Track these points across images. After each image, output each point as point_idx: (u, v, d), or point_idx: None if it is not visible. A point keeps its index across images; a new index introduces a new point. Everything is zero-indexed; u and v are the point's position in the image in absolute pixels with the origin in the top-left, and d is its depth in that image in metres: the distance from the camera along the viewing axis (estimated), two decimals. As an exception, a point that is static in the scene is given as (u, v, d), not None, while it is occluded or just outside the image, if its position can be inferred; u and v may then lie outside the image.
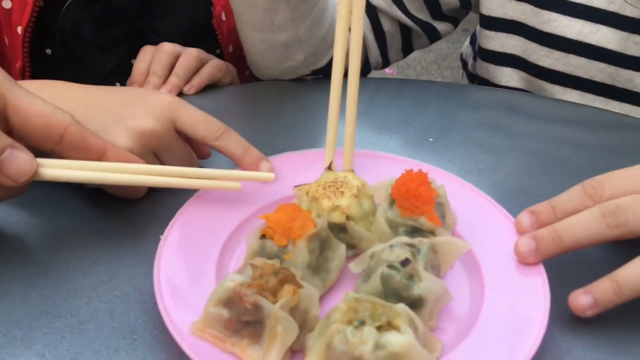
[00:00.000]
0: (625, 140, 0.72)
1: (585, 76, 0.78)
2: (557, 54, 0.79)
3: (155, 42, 0.78)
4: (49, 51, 0.78)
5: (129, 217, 0.55)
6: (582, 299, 0.47)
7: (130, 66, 0.79)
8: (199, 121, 0.56)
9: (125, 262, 0.50)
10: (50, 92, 0.56)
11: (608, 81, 0.78)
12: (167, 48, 0.74)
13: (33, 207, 0.55)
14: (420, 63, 2.92)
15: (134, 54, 0.80)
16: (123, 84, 0.80)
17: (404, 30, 0.87)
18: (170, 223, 0.50)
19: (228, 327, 0.41)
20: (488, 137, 0.71)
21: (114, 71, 0.81)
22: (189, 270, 0.47)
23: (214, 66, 0.75)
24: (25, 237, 0.53)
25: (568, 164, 0.67)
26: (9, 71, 0.75)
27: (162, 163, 0.56)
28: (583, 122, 0.75)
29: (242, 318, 0.41)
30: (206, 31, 0.82)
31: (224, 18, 0.82)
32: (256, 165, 0.56)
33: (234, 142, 0.57)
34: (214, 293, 0.42)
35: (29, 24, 0.74)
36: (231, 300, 0.41)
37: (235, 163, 0.57)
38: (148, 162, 0.54)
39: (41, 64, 0.78)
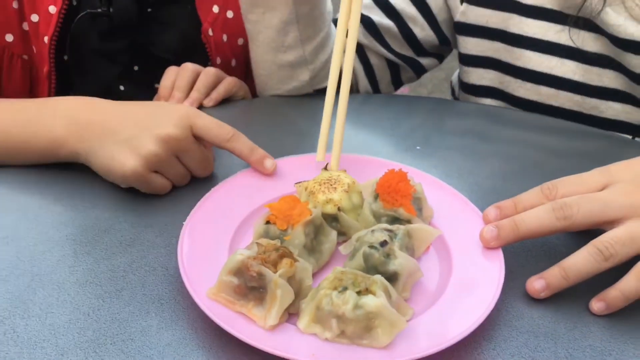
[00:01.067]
0: (592, 148, 0.81)
1: (556, 104, 0.86)
2: (529, 85, 0.87)
3: (153, 53, 0.89)
4: (66, 57, 0.89)
5: (155, 208, 0.65)
6: (536, 284, 0.55)
7: (132, 72, 0.91)
8: (212, 126, 0.66)
9: (153, 245, 0.60)
10: (91, 107, 0.67)
11: (576, 108, 0.86)
12: (189, 67, 0.84)
13: (75, 200, 0.65)
14: (431, 81, 3.02)
15: (135, 62, 0.91)
16: (126, 88, 0.92)
17: (391, 64, 0.96)
18: (191, 212, 0.60)
19: (237, 292, 0.51)
20: (469, 145, 0.80)
21: (118, 77, 0.92)
22: (206, 249, 0.56)
23: (229, 82, 0.86)
24: (70, 224, 0.63)
25: (539, 168, 0.76)
26: (37, 75, 0.88)
27: (183, 163, 0.66)
28: (555, 132, 0.83)
29: (248, 284, 0.50)
30: (197, 44, 0.92)
31: (210, 33, 0.92)
32: (261, 162, 0.66)
33: (241, 143, 0.67)
34: (226, 264, 0.51)
35: (54, 34, 0.84)
36: (240, 270, 0.51)
37: (244, 161, 0.67)
38: (171, 164, 0.64)
39: (61, 69, 0.88)
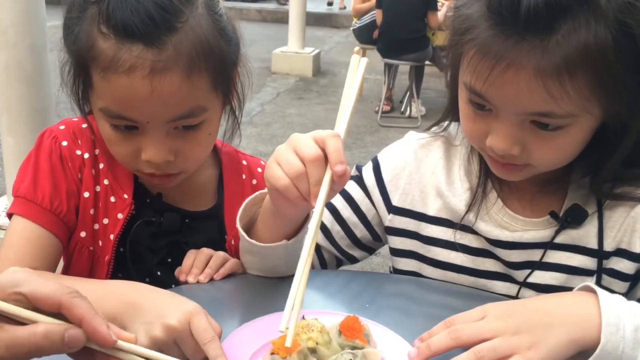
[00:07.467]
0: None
1: (458, 283, 1.20)
2: (439, 271, 1.22)
3: (184, 249, 1.20)
4: (122, 249, 1.20)
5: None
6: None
7: (167, 263, 1.23)
8: (200, 329, 0.85)
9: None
10: (135, 289, 0.96)
11: (474, 286, 1.20)
12: (205, 252, 1.17)
13: None
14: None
15: (170, 255, 1.23)
16: (163, 273, 1.22)
17: (338, 259, 1.34)
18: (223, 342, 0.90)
19: (259, 394, 0.80)
20: (401, 304, 1.14)
21: (157, 265, 1.23)
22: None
23: (233, 263, 1.18)
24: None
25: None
26: (98, 262, 1.19)
27: (179, 348, 0.89)
28: (462, 296, 1.16)
29: (266, 387, 0.80)
30: (220, 246, 1.25)
31: (233, 243, 1.26)
32: None
33: (213, 350, 0.84)
34: (252, 377, 0.81)
35: (119, 233, 1.17)
36: (260, 381, 0.81)
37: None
38: (171, 348, 0.87)
39: (116, 257, 1.19)
